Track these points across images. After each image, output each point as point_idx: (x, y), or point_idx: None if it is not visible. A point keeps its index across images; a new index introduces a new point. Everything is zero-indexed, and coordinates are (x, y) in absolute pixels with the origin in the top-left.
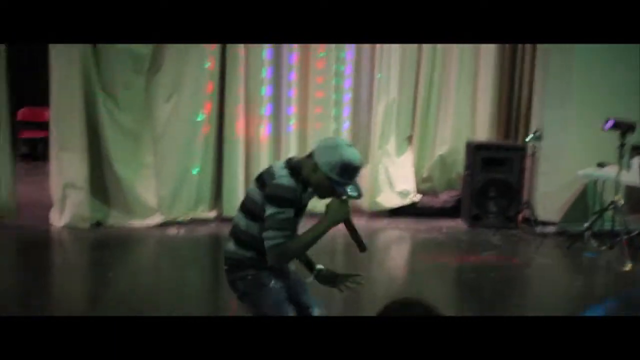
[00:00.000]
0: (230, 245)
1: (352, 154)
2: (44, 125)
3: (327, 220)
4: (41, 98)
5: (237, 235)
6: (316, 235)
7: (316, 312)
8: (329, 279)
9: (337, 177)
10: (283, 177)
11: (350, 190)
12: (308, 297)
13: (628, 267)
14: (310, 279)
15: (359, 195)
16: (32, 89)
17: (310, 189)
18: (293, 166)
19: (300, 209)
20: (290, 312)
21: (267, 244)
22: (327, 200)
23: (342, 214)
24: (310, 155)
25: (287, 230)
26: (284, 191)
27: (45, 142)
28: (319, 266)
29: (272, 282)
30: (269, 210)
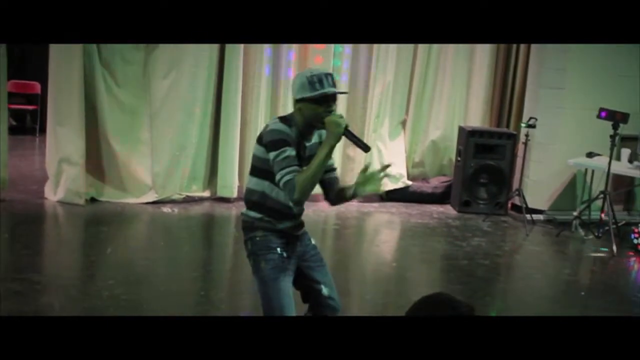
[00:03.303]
0: (244, 209)
1: (313, 68)
2: (32, 98)
3: (328, 138)
4: (27, 71)
5: (248, 196)
6: (323, 157)
7: (325, 291)
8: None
9: (311, 91)
10: (273, 124)
11: (328, 89)
12: (322, 274)
13: (604, 253)
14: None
15: (344, 92)
16: (19, 62)
17: (313, 139)
18: (283, 116)
19: (300, 153)
20: (288, 282)
21: (280, 184)
22: None
23: (339, 126)
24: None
25: (292, 166)
26: (276, 133)
27: (33, 115)
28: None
29: (279, 248)
30: (270, 156)
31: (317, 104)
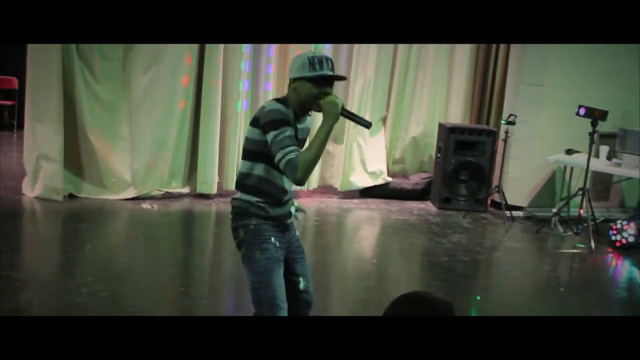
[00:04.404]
0: (237, 195)
1: (315, 50)
2: (10, 93)
3: (326, 118)
4: (5, 66)
5: (242, 181)
6: (323, 137)
7: (302, 284)
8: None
9: (311, 71)
10: (270, 105)
11: (327, 71)
12: (302, 267)
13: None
14: None
15: (343, 77)
16: None
17: (305, 121)
18: (278, 98)
19: (296, 136)
20: (281, 274)
21: (281, 164)
22: None
23: (336, 106)
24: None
25: (292, 146)
26: (276, 113)
27: (11, 110)
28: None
29: (273, 237)
30: (269, 136)
31: (313, 84)
